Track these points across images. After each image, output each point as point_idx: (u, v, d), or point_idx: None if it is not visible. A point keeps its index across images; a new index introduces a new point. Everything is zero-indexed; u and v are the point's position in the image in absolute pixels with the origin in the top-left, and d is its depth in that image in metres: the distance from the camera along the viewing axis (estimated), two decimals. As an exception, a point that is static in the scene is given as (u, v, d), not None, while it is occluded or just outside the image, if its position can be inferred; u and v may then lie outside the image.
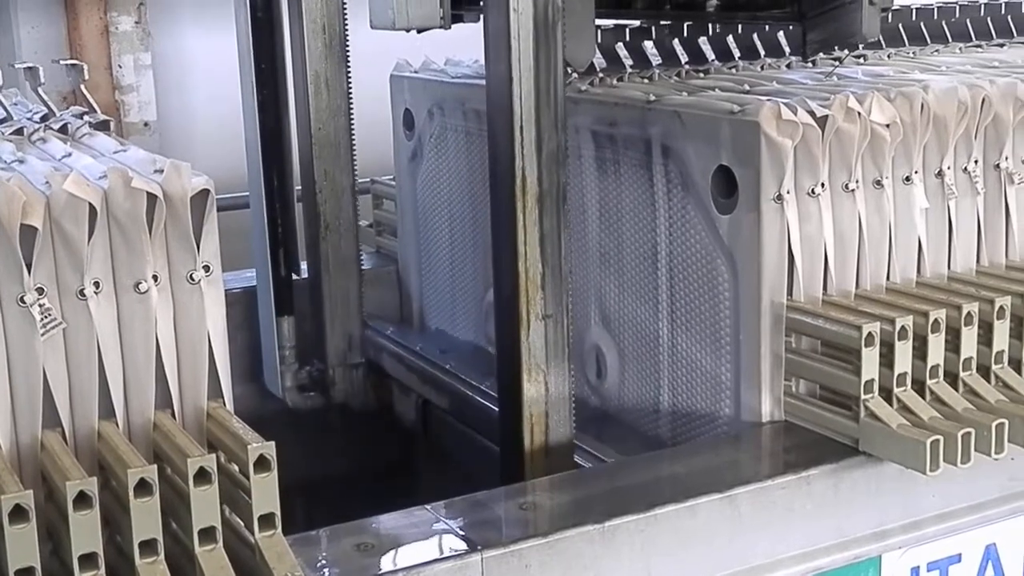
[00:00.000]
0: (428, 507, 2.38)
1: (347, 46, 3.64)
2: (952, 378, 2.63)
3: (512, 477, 2.81)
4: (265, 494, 2.04)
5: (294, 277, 3.73)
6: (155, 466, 2.01)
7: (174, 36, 6.30)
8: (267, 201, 3.65)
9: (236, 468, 2.12)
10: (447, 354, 3.71)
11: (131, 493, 1.96)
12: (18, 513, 1.90)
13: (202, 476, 2.01)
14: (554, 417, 2.78)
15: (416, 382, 3.70)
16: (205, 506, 2.01)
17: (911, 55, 3.72)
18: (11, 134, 2.69)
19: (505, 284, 2.75)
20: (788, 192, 2.66)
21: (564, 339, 2.76)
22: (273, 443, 2.06)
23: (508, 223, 2.70)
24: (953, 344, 2.63)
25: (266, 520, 2.04)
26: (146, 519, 1.98)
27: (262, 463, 2.04)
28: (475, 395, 3.42)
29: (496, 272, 2.81)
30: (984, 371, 2.67)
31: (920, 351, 2.58)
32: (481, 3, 2.73)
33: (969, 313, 2.62)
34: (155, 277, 2.22)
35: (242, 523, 2.09)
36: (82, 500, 1.93)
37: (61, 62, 2.92)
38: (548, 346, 2.75)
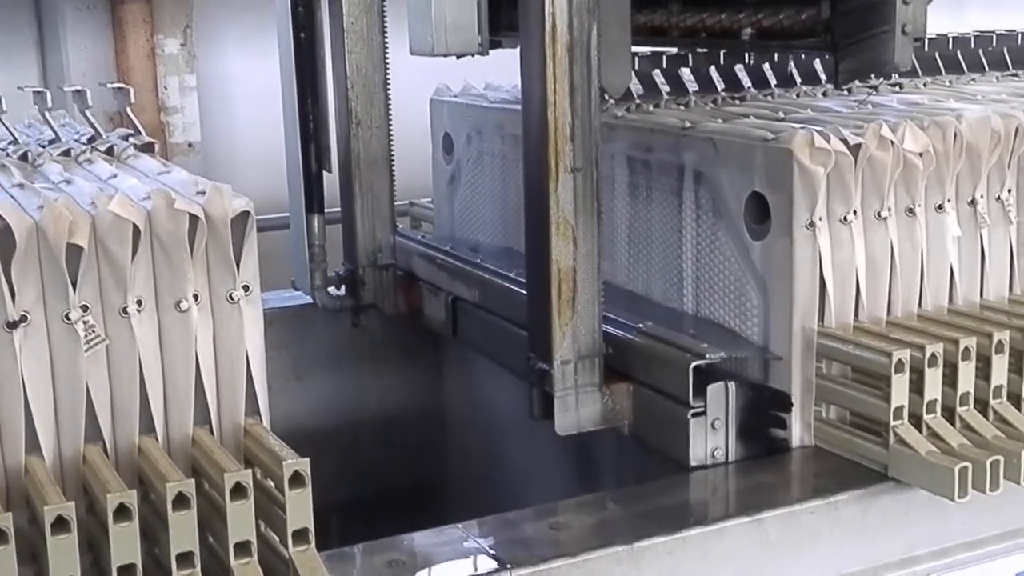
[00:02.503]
0: (459, 525, 2.42)
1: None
2: (982, 406, 2.63)
3: (539, 337, 2.80)
4: (299, 510, 2.08)
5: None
6: (193, 480, 2.06)
7: (219, 59, 6.39)
8: (299, 95, 3.65)
9: (272, 484, 2.17)
10: (477, 252, 3.71)
11: (169, 506, 2.01)
12: (60, 524, 1.95)
13: (238, 491, 2.05)
14: (581, 273, 2.75)
15: (446, 280, 3.66)
16: (241, 520, 2.06)
17: (947, 83, 3.73)
18: (59, 155, 2.76)
19: (534, 136, 2.73)
20: (820, 219, 2.69)
21: (593, 194, 2.73)
22: (308, 460, 2.10)
23: (538, 72, 2.67)
24: (983, 372, 2.63)
25: (300, 535, 2.09)
26: (183, 532, 2.02)
27: (297, 479, 2.08)
28: (504, 282, 3.38)
29: (525, 123, 2.78)
30: (1014, 399, 2.67)
31: (950, 378, 2.59)
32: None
33: (1000, 341, 2.63)
34: (196, 296, 2.27)
35: (277, 538, 2.13)
36: (122, 512, 1.98)
37: (108, 85, 2.99)
38: (577, 199, 2.71)
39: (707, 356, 2.73)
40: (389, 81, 3.71)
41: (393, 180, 3.78)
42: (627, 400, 2.88)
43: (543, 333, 2.78)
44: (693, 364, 2.70)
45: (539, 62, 2.67)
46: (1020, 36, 4.03)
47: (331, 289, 3.82)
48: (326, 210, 3.79)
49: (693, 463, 2.71)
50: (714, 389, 2.70)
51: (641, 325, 2.95)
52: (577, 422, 2.83)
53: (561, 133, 2.68)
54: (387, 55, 3.70)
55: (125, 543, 1.99)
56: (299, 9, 3.62)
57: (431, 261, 3.75)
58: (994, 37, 3.99)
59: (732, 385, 2.72)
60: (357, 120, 3.67)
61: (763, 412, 2.75)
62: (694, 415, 2.70)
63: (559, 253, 2.73)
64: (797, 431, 2.75)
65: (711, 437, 2.71)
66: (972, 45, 3.94)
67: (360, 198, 3.73)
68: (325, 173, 3.76)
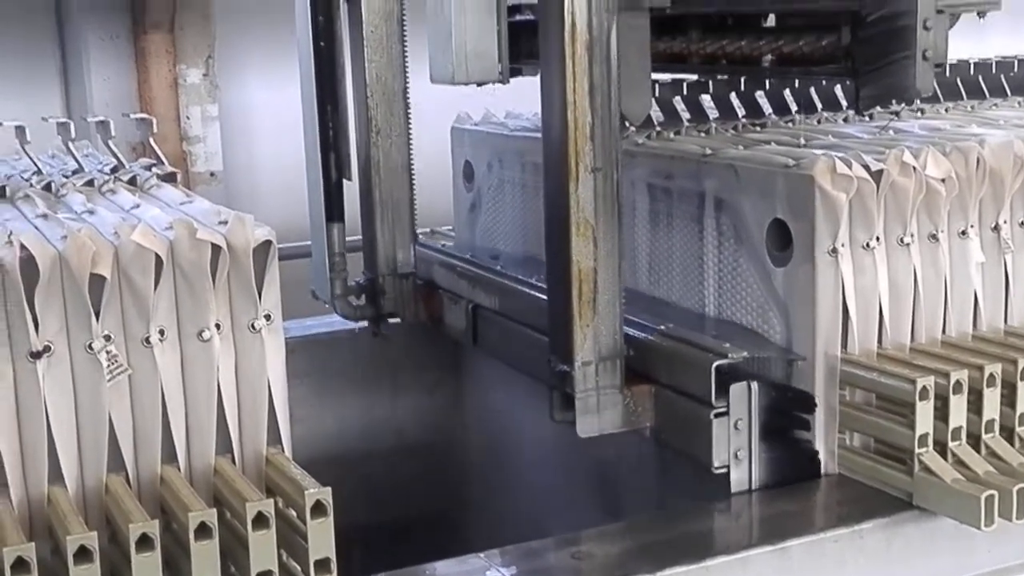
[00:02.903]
0: (481, 555, 2.41)
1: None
2: (1008, 432, 2.61)
3: (560, 338, 2.77)
4: (321, 539, 2.08)
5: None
6: (215, 510, 2.06)
7: (240, 89, 6.44)
8: (319, 104, 3.65)
9: (294, 513, 2.16)
10: (497, 260, 3.69)
11: (192, 536, 2.01)
12: (83, 554, 1.95)
13: (260, 521, 2.05)
14: (603, 274, 2.72)
15: (466, 288, 3.63)
16: (263, 550, 2.05)
17: (969, 109, 3.72)
18: (82, 185, 2.78)
19: (554, 135, 2.71)
20: (843, 245, 2.68)
21: (613, 194, 2.70)
22: (329, 489, 2.10)
23: (557, 71, 2.65)
24: (1009, 398, 2.61)
25: (322, 565, 2.08)
26: (205, 562, 2.03)
27: (319, 508, 2.08)
28: (524, 288, 3.35)
29: (545, 123, 2.76)
30: (1041, 426, 2.65)
31: (975, 405, 2.57)
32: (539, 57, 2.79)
33: (1025, 368, 2.61)
34: (218, 326, 2.28)
35: (299, 567, 2.13)
36: (144, 543, 1.99)
37: (131, 116, 3.02)
38: (597, 199, 2.68)
39: (729, 356, 2.71)
40: (409, 89, 3.69)
41: (413, 189, 3.76)
42: (649, 402, 2.86)
43: (564, 335, 2.76)
44: (716, 364, 2.68)
45: (558, 61, 2.65)
46: (1042, 61, 4.02)
47: (351, 298, 3.80)
48: (348, 236, 3.79)
49: (716, 464, 2.68)
50: (737, 389, 2.68)
51: (662, 327, 2.94)
52: (598, 424, 2.80)
53: (581, 132, 2.66)
54: (407, 64, 3.68)
55: (147, 573, 1.99)
56: (319, 18, 3.62)
57: (451, 269, 3.72)
58: (1016, 62, 3.97)
59: (755, 385, 2.70)
60: (377, 128, 3.66)
61: (786, 413, 2.73)
62: (717, 415, 2.67)
63: (579, 254, 2.71)
64: (821, 459, 2.74)
65: (734, 438, 2.69)
66: (994, 70, 3.93)
67: (380, 207, 3.71)
68: (345, 182, 3.75)
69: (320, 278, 3.79)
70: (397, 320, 3.86)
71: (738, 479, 2.71)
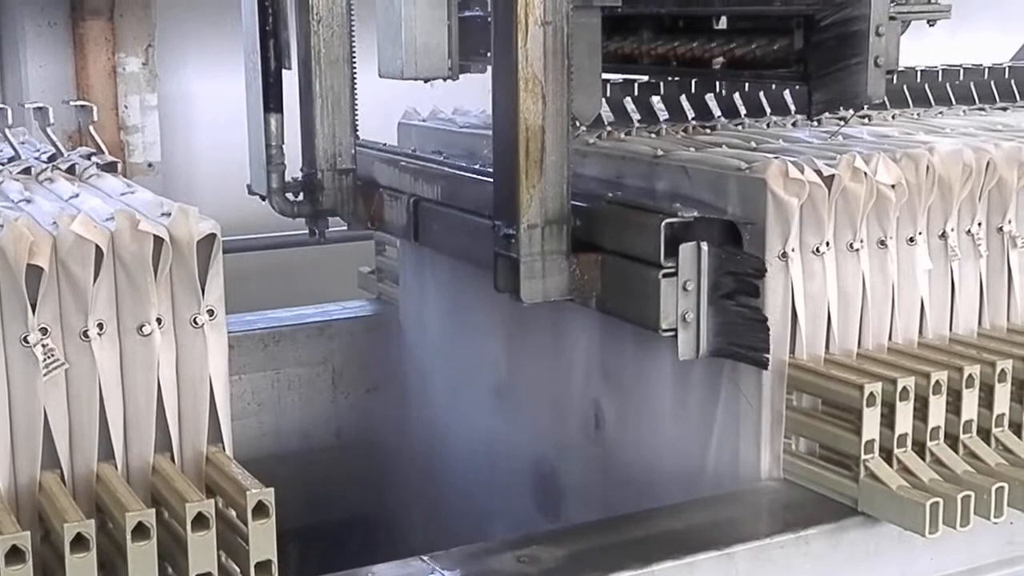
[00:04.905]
0: (424, 557, 2.37)
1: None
2: (952, 440, 2.62)
3: (505, 201, 2.70)
4: (263, 541, 2.03)
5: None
6: (153, 510, 2.00)
7: (180, 79, 6.34)
8: None
9: (234, 514, 2.11)
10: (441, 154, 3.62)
11: (128, 537, 1.96)
12: (15, 554, 1.89)
13: (200, 521, 2.00)
14: (551, 134, 2.66)
15: (408, 182, 3.51)
16: (202, 552, 2.00)
17: (915, 116, 3.74)
18: (19, 173, 2.70)
19: None
20: (793, 250, 2.67)
21: (564, 50, 2.64)
22: (272, 490, 2.05)
23: None
24: (954, 406, 2.62)
25: (263, 567, 2.04)
26: (143, 564, 1.97)
27: (260, 509, 2.03)
28: (467, 174, 3.26)
29: None
30: (984, 434, 2.66)
31: (921, 412, 2.57)
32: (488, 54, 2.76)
33: (970, 375, 2.62)
34: (159, 320, 2.22)
35: (239, 570, 2.08)
36: (79, 542, 1.93)
37: (71, 103, 2.94)
38: (547, 55, 2.62)
39: (679, 215, 2.65)
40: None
41: (355, 83, 3.60)
42: (595, 271, 2.79)
43: (510, 197, 2.69)
44: (665, 222, 2.62)
45: None
46: (987, 71, 4.05)
47: (288, 195, 3.64)
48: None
49: (664, 326, 2.63)
50: (686, 249, 2.62)
51: (609, 195, 2.87)
52: (543, 291, 2.73)
53: None
54: None
55: (82, 574, 1.93)
56: None
57: (393, 165, 3.60)
58: (961, 71, 4.01)
59: (705, 246, 2.64)
60: (318, 17, 3.49)
61: (736, 276, 2.66)
62: (665, 276, 2.62)
63: (527, 111, 2.63)
64: (766, 464, 2.73)
65: (682, 299, 2.63)
66: (940, 78, 3.96)
67: (320, 99, 3.55)
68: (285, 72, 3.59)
69: (256, 172, 3.63)
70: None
71: (686, 343, 2.66)
